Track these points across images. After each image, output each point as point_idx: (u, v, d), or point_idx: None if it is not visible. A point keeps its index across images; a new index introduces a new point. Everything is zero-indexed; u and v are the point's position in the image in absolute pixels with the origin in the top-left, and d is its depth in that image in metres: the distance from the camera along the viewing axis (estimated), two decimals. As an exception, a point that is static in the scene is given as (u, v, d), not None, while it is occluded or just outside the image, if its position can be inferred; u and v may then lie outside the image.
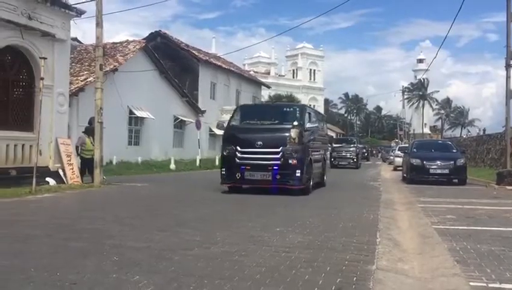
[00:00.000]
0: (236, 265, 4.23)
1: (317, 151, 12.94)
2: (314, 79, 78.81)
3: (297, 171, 10.67)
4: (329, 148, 22.77)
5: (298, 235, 5.73)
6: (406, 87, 76.96)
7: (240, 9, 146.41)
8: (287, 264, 4.28)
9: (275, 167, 10.73)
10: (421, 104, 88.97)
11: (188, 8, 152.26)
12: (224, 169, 11.23)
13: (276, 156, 10.78)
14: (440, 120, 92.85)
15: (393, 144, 53.50)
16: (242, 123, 11.85)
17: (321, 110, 76.61)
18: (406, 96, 72.98)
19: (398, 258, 4.86)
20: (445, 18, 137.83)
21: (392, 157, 32.02)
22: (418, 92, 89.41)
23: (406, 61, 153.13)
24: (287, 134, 10.86)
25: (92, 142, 13.55)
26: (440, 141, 26.81)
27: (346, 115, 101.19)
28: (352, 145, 30.39)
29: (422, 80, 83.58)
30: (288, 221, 6.88)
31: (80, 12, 14.03)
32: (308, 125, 11.58)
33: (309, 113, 12.42)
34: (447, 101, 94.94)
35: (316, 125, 12.69)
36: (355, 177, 19.90)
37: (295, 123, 11.03)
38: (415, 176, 15.80)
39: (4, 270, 3.99)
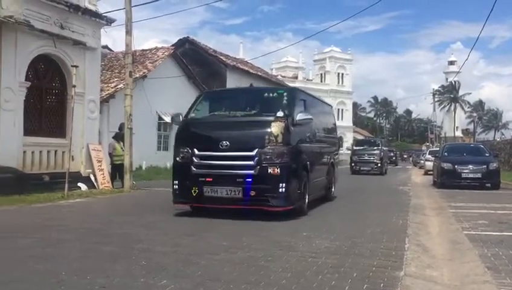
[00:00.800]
0: (262, 270, 4.24)
1: (319, 154, 9.73)
2: (342, 83, 78.13)
3: (280, 184, 7.33)
4: (345, 151, 21.97)
5: (325, 241, 5.70)
6: (436, 90, 75.48)
7: (267, 14, 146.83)
8: (313, 270, 4.26)
9: (247, 179, 7.41)
10: (452, 107, 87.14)
11: (215, 14, 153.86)
12: (176, 182, 8.01)
13: (249, 163, 7.44)
14: (472, 123, 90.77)
15: (424, 148, 52.53)
16: (205, 116, 8.68)
17: (349, 114, 76.15)
18: (436, 99, 71.57)
19: (427, 264, 4.78)
20: (477, 19, 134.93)
21: (422, 162, 31.46)
22: (449, 94, 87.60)
23: (436, 63, 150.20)
24: (267, 130, 7.54)
25: (121, 148, 13.80)
26: (472, 145, 26.22)
27: (375, 118, 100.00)
28: (375, 148, 26.71)
29: (453, 83, 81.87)
30: (316, 227, 6.85)
31: (110, 21, 14.35)
32: (300, 117, 7.95)
33: (303, 101, 8.90)
34: (480, 104, 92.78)
35: (312, 117, 8.64)
36: (380, 182, 19.43)
37: (279, 114, 7.65)
38: (446, 180, 15.47)
39: (37, 274, 4.11)
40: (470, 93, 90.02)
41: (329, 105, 12.85)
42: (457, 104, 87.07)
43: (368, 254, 5.01)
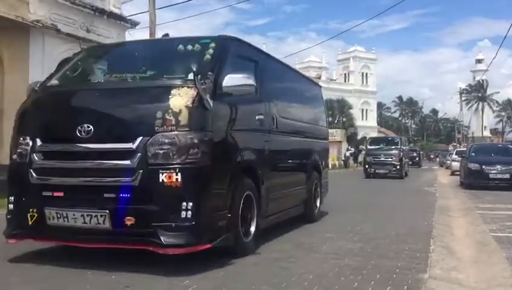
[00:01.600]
0: (284, 271, 4.23)
1: (289, 152, 6.47)
2: (366, 82, 77.41)
3: (183, 204, 4.01)
4: (358, 150, 20.84)
5: (348, 242, 5.66)
6: (463, 89, 74.21)
7: (290, 15, 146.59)
8: (335, 271, 4.24)
9: (122, 195, 4.07)
10: (480, 106, 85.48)
11: (238, 15, 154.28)
12: (11, 199, 4.51)
13: (125, 164, 4.10)
14: (501, 122, 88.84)
15: (450, 148, 51.61)
16: (69, 84, 5.12)
17: (374, 114, 75.35)
18: (464, 98, 70.38)
19: (452, 266, 4.70)
20: (505, 16, 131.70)
21: (449, 162, 30.91)
22: (476, 93, 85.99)
23: (463, 62, 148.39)
24: (162, 104, 4.12)
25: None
26: (500, 145, 25.69)
27: (400, 118, 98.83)
28: (393, 147, 23.26)
29: (481, 81, 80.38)
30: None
31: (134, 24, 14.57)
32: (230, 82, 4.50)
33: (249, 61, 5.41)
34: (509, 103, 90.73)
35: (258, 87, 5.17)
36: (398, 187, 17.70)
37: (190, 76, 4.24)
38: (473, 181, 15.18)
39: (63, 272, 4.19)
40: (498, 92, 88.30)
41: (316, 84, 9.34)
42: (485, 103, 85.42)
43: (391, 255, 4.95)
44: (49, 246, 4.92)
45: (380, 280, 3.97)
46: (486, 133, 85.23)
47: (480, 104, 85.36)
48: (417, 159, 41.98)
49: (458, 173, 19.83)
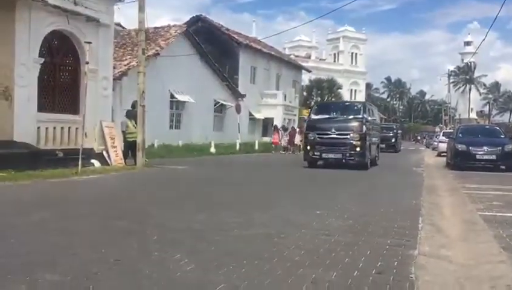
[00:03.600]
0: (275, 247, 4.24)
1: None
2: (356, 63, 77.32)
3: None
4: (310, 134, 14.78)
5: (338, 220, 5.68)
6: (452, 71, 74.58)
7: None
8: (326, 247, 4.25)
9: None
10: (467, 89, 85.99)
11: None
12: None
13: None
14: (488, 105, 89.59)
15: (437, 130, 52.05)
16: None
17: (362, 95, 75.47)
18: (451, 81, 70.75)
19: (441, 244, 4.74)
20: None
21: (436, 143, 31.15)
22: (464, 75, 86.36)
23: (452, 44, 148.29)
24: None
25: (134, 126, 13.84)
26: (487, 126, 25.89)
27: (388, 99, 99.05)
28: (353, 118, 14.99)
29: (469, 64, 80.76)
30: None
31: (123, -2, 14.25)
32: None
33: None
34: (496, 85, 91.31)
35: None
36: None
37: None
38: (460, 162, 15.33)
39: (53, 246, 4.15)
40: (486, 75, 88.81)
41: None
42: (472, 85, 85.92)
43: (381, 232, 4.98)
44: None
45: (370, 255, 3.99)
46: (473, 115, 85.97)
47: (468, 86, 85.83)
48: (393, 140, 31.40)
49: (445, 154, 20.01)
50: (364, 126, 14.43)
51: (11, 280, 3.17)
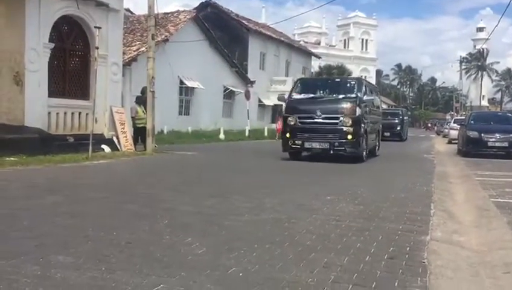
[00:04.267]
0: (287, 231, 4.23)
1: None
2: (366, 49, 76.68)
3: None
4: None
5: (349, 205, 5.66)
6: (463, 58, 73.58)
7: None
8: (337, 232, 4.23)
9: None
10: (479, 75, 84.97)
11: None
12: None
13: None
14: (500, 92, 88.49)
15: (448, 117, 51.51)
16: None
17: (373, 81, 74.64)
18: (463, 67, 69.83)
19: (453, 230, 4.70)
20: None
21: (446, 130, 30.87)
22: (476, 62, 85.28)
23: (464, 30, 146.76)
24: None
25: (143, 111, 13.85)
26: (499, 113, 25.59)
27: (398, 86, 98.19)
28: (343, 98, 12.12)
29: (481, 50, 79.63)
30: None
31: (132, -18, 14.16)
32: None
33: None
34: (508, 72, 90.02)
35: None
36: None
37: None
38: (471, 149, 15.18)
39: (65, 229, 4.18)
40: (499, 62, 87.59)
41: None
42: (484, 72, 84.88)
43: (392, 218, 4.95)
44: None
45: (382, 241, 3.97)
46: (484, 102, 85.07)
47: (480, 73, 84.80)
48: (398, 128, 27.18)
49: (456, 141, 19.83)
50: (358, 108, 11.65)
51: (24, 260, 3.19)
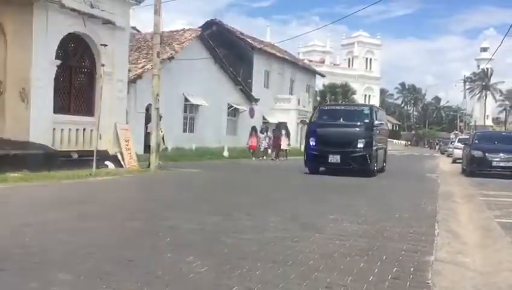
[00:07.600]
0: (289, 250, 4.19)
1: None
2: (370, 68, 76.97)
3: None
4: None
5: (352, 224, 5.62)
6: (467, 77, 73.72)
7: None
8: (340, 252, 4.20)
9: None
10: (483, 95, 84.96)
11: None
12: None
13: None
14: (504, 112, 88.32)
15: (452, 136, 51.36)
16: None
17: (377, 100, 75.02)
18: (467, 87, 69.96)
19: (457, 250, 4.65)
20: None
21: (450, 149, 30.79)
22: (480, 82, 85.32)
23: (468, 50, 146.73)
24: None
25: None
26: (504, 133, 25.50)
27: (402, 105, 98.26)
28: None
29: (485, 70, 79.73)
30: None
31: (138, 1, 14.36)
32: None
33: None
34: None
35: None
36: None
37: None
38: (475, 168, 15.09)
39: (67, 246, 4.16)
40: (503, 81, 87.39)
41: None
42: (488, 92, 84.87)
43: (396, 238, 4.91)
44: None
45: (386, 261, 3.92)
46: (489, 122, 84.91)
47: (484, 92, 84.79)
48: (359, 147, 13.59)
49: (460, 160, 19.75)
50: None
51: (24, 278, 3.16)
